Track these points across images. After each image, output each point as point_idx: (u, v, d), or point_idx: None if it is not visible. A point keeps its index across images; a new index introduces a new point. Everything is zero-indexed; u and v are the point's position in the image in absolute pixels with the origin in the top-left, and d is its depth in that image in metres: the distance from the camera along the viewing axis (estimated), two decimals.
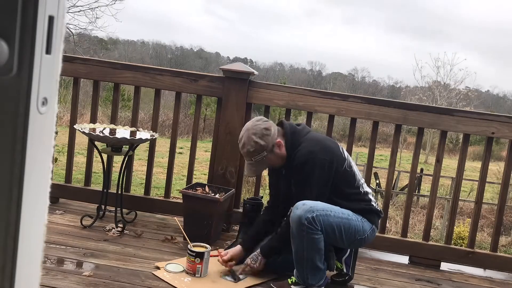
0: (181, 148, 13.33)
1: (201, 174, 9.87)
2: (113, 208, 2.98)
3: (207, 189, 3.00)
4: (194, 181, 3.24)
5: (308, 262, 2.29)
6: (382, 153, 18.09)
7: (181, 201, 3.01)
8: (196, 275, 2.39)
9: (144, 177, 3.51)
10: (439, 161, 3.09)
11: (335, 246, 2.46)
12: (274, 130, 2.41)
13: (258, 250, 2.47)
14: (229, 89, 3.10)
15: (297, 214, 2.25)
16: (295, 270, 2.36)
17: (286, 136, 2.43)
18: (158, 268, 2.47)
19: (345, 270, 2.52)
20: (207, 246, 2.48)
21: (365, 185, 2.48)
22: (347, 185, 2.40)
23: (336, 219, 2.29)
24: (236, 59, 43.04)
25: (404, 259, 3.05)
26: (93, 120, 3.28)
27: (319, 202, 2.30)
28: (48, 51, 0.47)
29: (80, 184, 3.50)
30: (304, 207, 2.26)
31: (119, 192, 3.02)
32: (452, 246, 3.18)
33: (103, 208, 3.01)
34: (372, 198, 2.48)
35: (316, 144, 2.38)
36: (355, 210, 2.38)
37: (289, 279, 2.39)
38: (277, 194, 2.62)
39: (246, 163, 2.47)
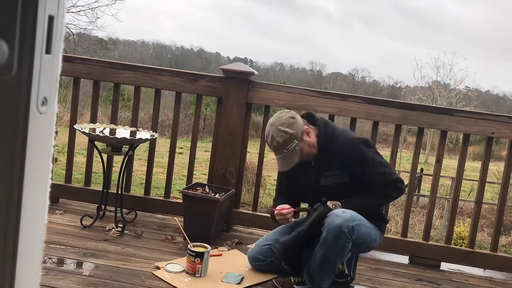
0: (181, 148, 13.32)
1: (201, 174, 9.86)
2: (113, 208, 2.98)
3: (207, 189, 3.00)
4: (194, 181, 3.24)
5: (331, 267, 2.31)
6: (382, 153, 17.81)
7: (181, 201, 3.01)
8: (196, 275, 2.40)
9: (144, 177, 3.51)
10: (439, 161, 3.09)
11: None
12: (299, 118, 2.37)
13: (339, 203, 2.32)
14: (229, 89, 3.10)
15: (338, 223, 2.19)
16: (308, 272, 2.33)
17: (319, 126, 2.41)
18: (158, 268, 2.47)
19: (346, 271, 2.52)
20: (207, 246, 2.48)
21: None
22: None
23: (365, 229, 2.31)
24: (236, 59, 42.96)
25: (404, 259, 3.05)
26: (93, 120, 3.28)
27: (354, 212, 2.26)
28: (48, 51, 0.47)
29: (80, 184, 3.50)
30: (344, 215, 2.21)
31: (119, 192, 3.03)
32: (452, 246, 3.19)
33: (103, 208, 3.01)
34: None
35: (351, 133, 2.52)
36: (370, 215, 2.38)
37: (291, 278, 2.39)
38: (289, 193, 2.55)
39: (278, 158, 2.35)
